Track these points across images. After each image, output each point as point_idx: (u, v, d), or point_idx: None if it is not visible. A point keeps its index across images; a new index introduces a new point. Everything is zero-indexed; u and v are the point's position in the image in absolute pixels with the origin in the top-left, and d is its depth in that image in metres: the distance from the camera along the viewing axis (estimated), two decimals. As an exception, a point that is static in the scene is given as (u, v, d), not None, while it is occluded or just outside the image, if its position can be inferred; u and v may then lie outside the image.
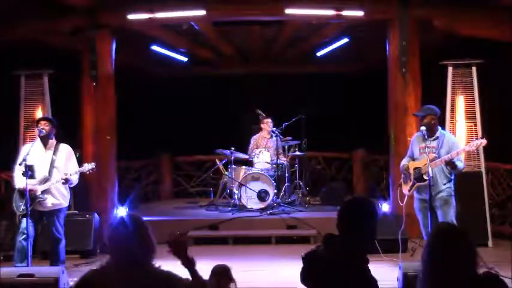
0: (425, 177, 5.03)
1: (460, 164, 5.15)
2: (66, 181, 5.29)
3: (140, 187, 9.72)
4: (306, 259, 2.63)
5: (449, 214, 5.17)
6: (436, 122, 5.32)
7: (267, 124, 8.61)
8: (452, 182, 5.27)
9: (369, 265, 2.54)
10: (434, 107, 5.37)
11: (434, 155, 5.13)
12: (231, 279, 3.57)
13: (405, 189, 5.42)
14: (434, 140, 5.26)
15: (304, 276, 2.62)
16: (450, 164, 5.05)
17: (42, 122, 5.40)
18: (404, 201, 5.43)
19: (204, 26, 8.15)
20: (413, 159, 5.43)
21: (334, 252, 2.51)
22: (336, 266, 2.46)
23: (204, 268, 3.65)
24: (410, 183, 5.32)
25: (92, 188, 7.10)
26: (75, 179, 5.38)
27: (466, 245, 2.30)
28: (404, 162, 5.49)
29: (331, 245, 2.55)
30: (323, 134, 9.55)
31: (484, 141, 5.04)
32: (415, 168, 5.28)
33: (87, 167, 5.41)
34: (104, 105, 7.39)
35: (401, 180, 5.52)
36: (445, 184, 5.20)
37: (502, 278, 2.34)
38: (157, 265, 2.63)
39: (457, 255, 2.26)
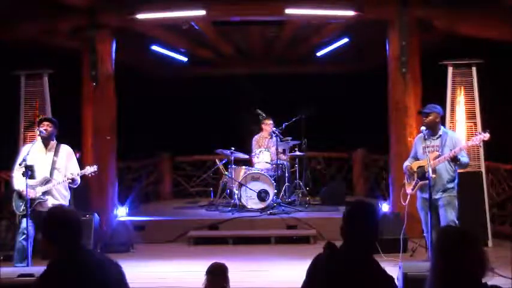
0: (427, 174, 5.04)
1: (465, 159, 5.18)
2: (73, 181, 5.30)
3: (140, 187, 9.73)
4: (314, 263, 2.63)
5: (451, 214, 5.19)
6: (439, 120, 5.35)
7: (268, 125, 8.61)
8: (456, 182, 5.29)
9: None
10: (438, 106, 5.39)
11: (437, 153, 5.15)
12: (226, 280, 3.56)
13: (408, 189, 5.43)
14: (437, 138, 5.28)
15: (309, 282, 2.61)
16: (454, 160, 5.07)
17: (45, 123, 5.38)
18: (406, 201, 5.44)
19: (204, 26, 8.15)
20: (416, 159, 5.44)
21: (341, 258, 2.51)
22: (344, 270, 2.46)
23: (205, 269, 3.66)
24: (414, 182, 5.33)
25: (92, 188, 7.10)
26: (78, 180, 5.39)
27: (477, 250, 2.28)
28: (407, 163, 5.51)
29: (335, 252, 2.55)
30: (323, 134, 9.56)
31: (487, 135, 5.04)
32: (418, 167, 5.29)
33: (89, 169, 5.40)
34: (104, 105, 7.39)
35: (405, 179, 5.53)
36: (449, 183, 5.22)
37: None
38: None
39: (466, 259, 2.24)
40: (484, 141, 5.13)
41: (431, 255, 2.42)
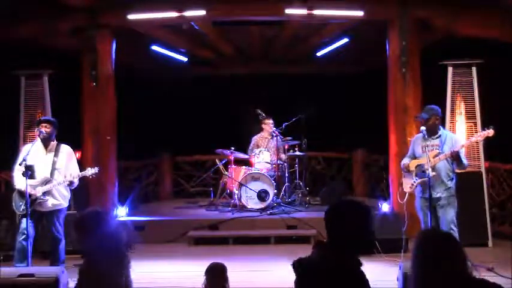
0: (427, 173, 5.03)
1: (465, 160, 5.17)
2: (71, 183, 5.30)
3: (140, 187, 9.72)
4: (297, 267, 2.59)
5: (450, 214, 5.18)
6: (439, 121, 5.35)
7: (268, 125, 8.61)
8: (454, 182, 5.28)
9: (365, 266, 2.52)
10: (435, 106, 5.37)
11: (437, 151, 5.15)
12: (225, 280, 3.56)
13: (406, 187, 5.42)
14: (436, 138, 5.28)
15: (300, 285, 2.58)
16: (456, 157, 5.07)
17: (44, 124, 5.38)
18: (404, 199, 5.43)
19: (204, 26, 8.15)
20: (414, 158, 5.43)
21: (325, 257, 2.49)
22: (327, 271, 2.44)
23: (204, 269, 3.66)
24: (412, 181, 5.33)
25: (92, 188, 7.10)
26: (76, 182, 5.39)
27: (454, 249, 2.31)
28: (405, 161, 5.50)
29: (322, 250, 2.53)
30: (323, 134, 9.56)
31: (491, 131, 5.03)
32: (417, 166, 5.28)
33: (90, 171, 5.40)
34: (104, 105, 7.40)
35: (403, 178, 5.52)
36: (448, 182, 5.22)
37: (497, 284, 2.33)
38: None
39: (446, 259, 2.27)
40: (488, 137, 5.11)
41: (412, 261, 2.40)
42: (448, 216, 5.17)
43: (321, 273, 2.44)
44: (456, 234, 5.06)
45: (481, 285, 2.31)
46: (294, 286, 2.55)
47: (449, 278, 2.25)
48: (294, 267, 2.56)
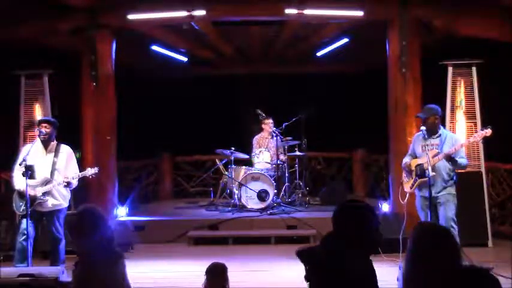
0: (426, 172, 5.04)
1: (463, 160, 5.18)
2: (68, 184, 5.30)
3: (140, 187, 9.72)
4: (302, 256, 2.63)
5: (450, 212, 5.19)
6: (439, 121, 5.35)
7: (268, 125, 8.61)
8: (455, 181, 5.28)
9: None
10: (435, 106, 5.38)
11: (436, 150, 5.15)
12: (225, 280, 3.56)
13: (407, 187, 5.42)
14: (437, 137, 5.29)
15: (309, 275, 2.62)
16: (449, 159, 5.08)
17: (43, 125, 5.38)
18: (405, 199, 5.43)
19: (204, 26, 8.15)
20: (414, 157, 5.44)
21: (333, 255, 2.51)
22: (336, 270, 2.46)
23: (205, 269, 3.66)
24: (412, 181, 5.33)
25: (92, 188, 7.09)
26: (75, 183, 5.39)
27: (449, 242, 2.33)
28: (406, 160, 5.50)
29: (329, 245, 2.56)
30: (323, 134, 9.56)
31: (489, 131, 5.02)
32: (417, 165, 5.29)
33: (90, 171, 5.40)
34: (104, 105, 7.39)
35: (403, 178, 5.52)
36: (448, 181, 5.22)
37: (489, 272, 2.35)
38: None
39: (441, 252, 2.29)
40: (485, 137, 5.11)
41: (407, 254, 2.41)
42: (448, 214, 5.17)
43: (330, 272, 2.46)
44: (456, 233, 5.07)
45: (471, 272, 2.33)
46: (304, 273, 2.58)
47: (441, 269, 2.26)
48: (300, 257, 2.59)
